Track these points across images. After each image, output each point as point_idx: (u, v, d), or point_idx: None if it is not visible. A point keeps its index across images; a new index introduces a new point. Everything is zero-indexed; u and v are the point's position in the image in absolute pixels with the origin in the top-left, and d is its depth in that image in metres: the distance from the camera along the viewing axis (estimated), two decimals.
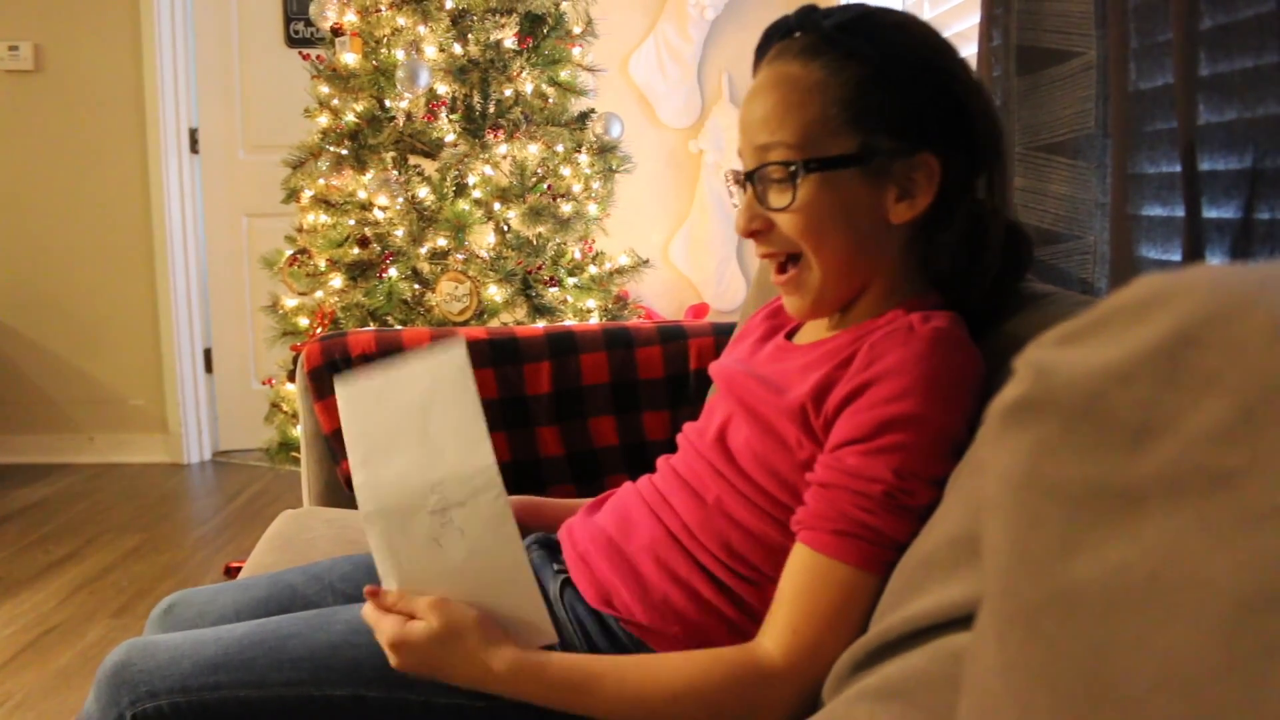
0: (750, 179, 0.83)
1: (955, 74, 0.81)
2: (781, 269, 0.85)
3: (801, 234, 0.81)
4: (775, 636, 0.74)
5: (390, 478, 0.83)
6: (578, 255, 2.42)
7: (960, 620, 0.58)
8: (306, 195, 2.30)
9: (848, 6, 0.82)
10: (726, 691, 0.73)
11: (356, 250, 2.22)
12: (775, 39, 0.85)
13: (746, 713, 0.73)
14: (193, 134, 3.39)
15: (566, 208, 2.29)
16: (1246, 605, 0.23)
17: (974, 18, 1.70)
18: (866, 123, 0.78)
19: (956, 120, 0.80)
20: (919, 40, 0.81)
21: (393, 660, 0.77)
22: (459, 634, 0.76)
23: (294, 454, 2.26)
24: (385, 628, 0.77)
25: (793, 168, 0.79)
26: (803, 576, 0.74)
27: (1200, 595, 0.24)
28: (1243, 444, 0.24)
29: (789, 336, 0.94)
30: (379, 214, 2.19)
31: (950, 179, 0.80)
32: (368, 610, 0.80)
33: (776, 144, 0.80)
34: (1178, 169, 0.85)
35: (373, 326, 2.10)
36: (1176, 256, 0.88)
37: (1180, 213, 0.84)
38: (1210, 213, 0.80)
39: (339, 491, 1.45)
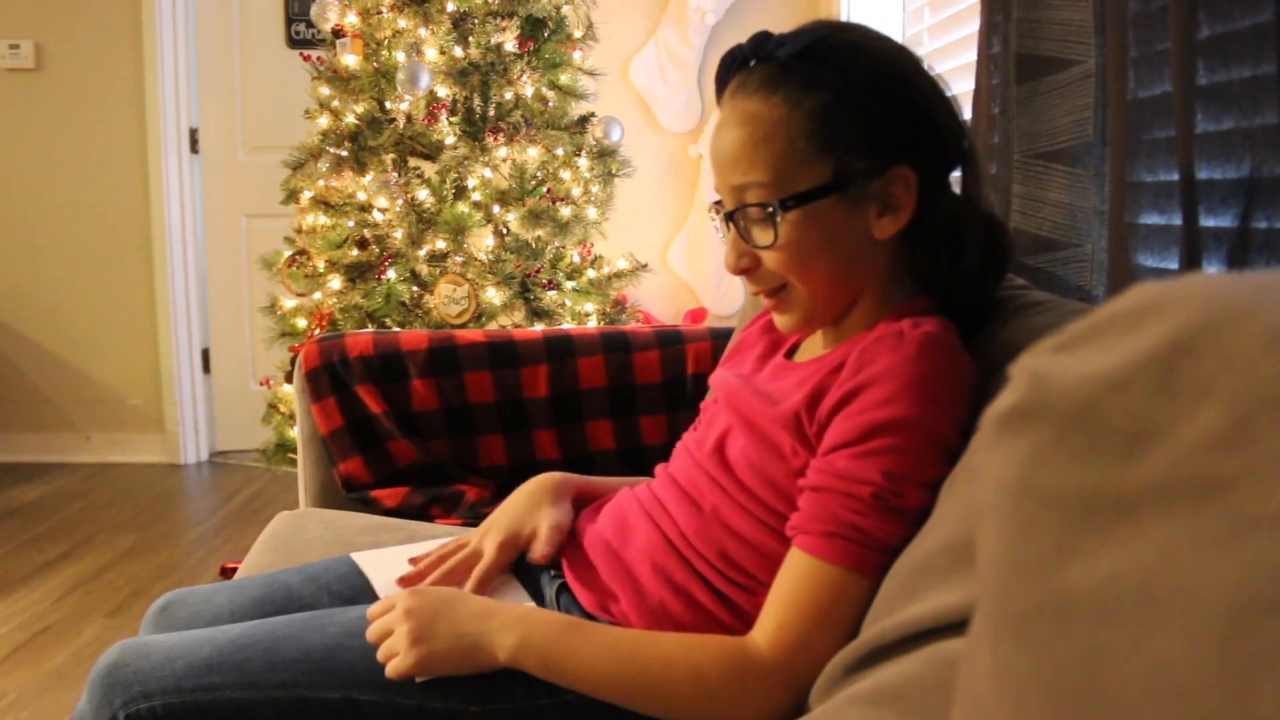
0: (730, 219, 0.83)
1: (914, 82, 0.80)
2: (770, 293, 0.86)
3: (788, 268, 0.81)
4: (763, 631, 0.75)
5: (402, 567, 1.00)
6: (576, 259, 2.41)
7: (954, 626, 0.57)
8: (306, 196, 2.29)
9: (801, 31, 0.80)
10: (715, 668, 0.74)
11: (355, 252, 2.22)
12: (734, 70, 0.84)
13: (732, 698, 0.73)
14: (193, 134, 3.39)
15: (566, 211, 2.29)
16: (1239, 614, 0.23)
17: (973, 25, 1.70)
18: (836, 148, 0.78)
19: (923, 127, 0.80)
20: (876, 56, 0.80)
21: (403, 625, 0.79)
22: (464, 595, 0.84)
23: (291, 455, 2.26)
24: (397, 601, 0.81)
25: (770, 208, 0.79)
26: (793, 577, 0.74)
27: (1193, 604, 0.24)
28: (1237, 452, 0.24)
29: (789, 355, 0.94)
30: (378, 216, 2.19)
31: (926, 185, 0.80)
32: (374, 612, 0.83)
33: (750, 184, 0.80)
34: (1176, 177, 0.85)
35: (371, 328, 2.10)
36: (1174, 265, 0.88)
37: (1178, 221, 0.84)
38: (1207, 221, 0.81)
39: (335, 493, 1.44)
